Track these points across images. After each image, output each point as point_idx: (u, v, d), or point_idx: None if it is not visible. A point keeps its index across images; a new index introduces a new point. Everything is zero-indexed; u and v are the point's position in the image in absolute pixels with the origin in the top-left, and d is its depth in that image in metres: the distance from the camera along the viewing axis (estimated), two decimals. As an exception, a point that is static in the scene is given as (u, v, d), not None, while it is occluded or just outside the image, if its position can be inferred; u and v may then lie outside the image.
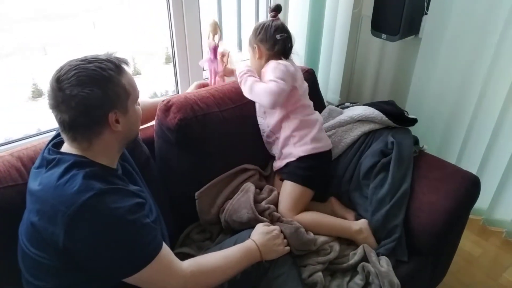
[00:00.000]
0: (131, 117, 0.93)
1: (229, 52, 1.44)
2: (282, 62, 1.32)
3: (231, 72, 1.45)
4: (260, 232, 1.11)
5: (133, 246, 0.82)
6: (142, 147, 1.23)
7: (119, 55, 0.92)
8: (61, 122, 0.86)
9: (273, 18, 1.37)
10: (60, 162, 0.85)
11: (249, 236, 1.10)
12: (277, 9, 1.38)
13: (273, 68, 1.29)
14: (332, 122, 1.49)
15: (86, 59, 0.85)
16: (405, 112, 1.50)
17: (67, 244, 0.78)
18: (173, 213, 1.27)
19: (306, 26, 1.80)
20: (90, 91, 0.82)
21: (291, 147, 1.34)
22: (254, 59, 1.39)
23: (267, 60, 1.36)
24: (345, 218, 1.34)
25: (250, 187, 1.29)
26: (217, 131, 1.32)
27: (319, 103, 1.57)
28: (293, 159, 1.34)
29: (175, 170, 1.29)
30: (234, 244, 1.07)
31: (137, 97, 0.95)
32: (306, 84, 1.41)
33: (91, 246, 0.79)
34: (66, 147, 0.90)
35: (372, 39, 1.93)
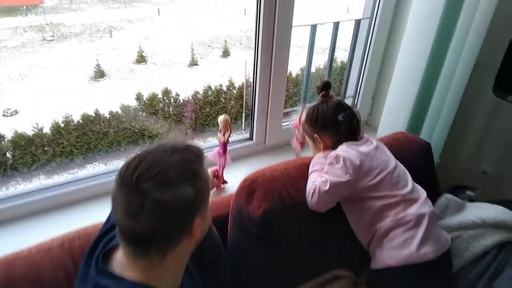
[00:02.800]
0: (207, 218, 0.77)
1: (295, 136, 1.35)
2: (344, 153, 1.04)
3: None
4: None
5: None
6: (213, 234, 0.99)
7: (189, 142, 0.75)
8: (135, 234, 0.65)
9: (324, 98, 1.15)
10: None
11: None
12: (326, 87, 1.14)
13: (330, 163, 1.05)
14: (453, 221, 1.14)
15: (166, 150, 0.69)
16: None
17: None
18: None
19: (419, 79, 1.46)
20: (182, 192, 0.66)
21: (382, 250, 1.02)
22: (318, 150, 1.16)
23: (334, 146, 1.09)
24: None
25: None
26: (307, 223, 1.05)
27: (432, 189, 1.19)
28: (382, 266, 1.02)
29: (249, 265, 1.05)
30: None
31: None
32: (391, 165, 1.07)
33: None
34: (124, 265, 0.69)
35: (483, 93, 1.56)
